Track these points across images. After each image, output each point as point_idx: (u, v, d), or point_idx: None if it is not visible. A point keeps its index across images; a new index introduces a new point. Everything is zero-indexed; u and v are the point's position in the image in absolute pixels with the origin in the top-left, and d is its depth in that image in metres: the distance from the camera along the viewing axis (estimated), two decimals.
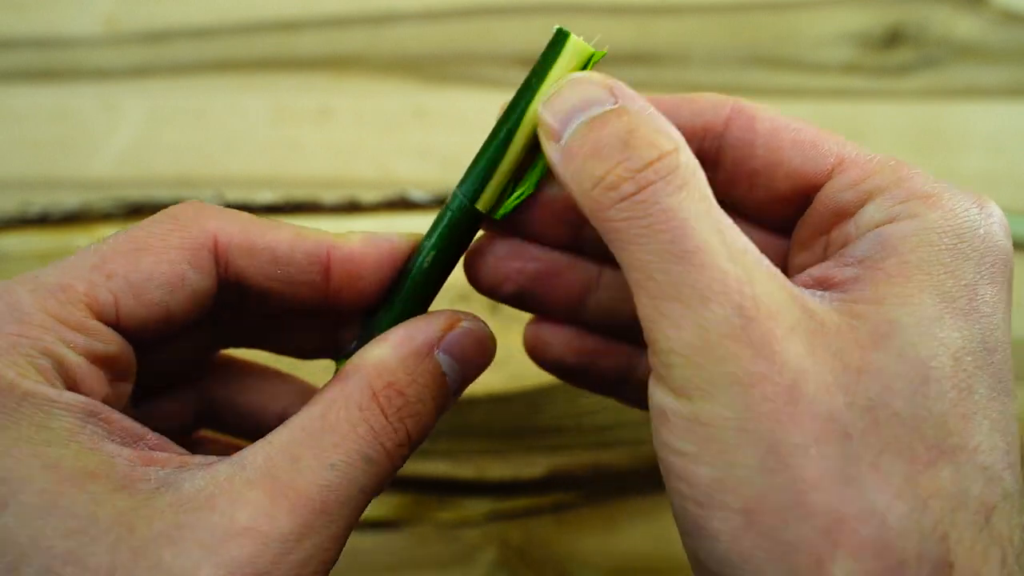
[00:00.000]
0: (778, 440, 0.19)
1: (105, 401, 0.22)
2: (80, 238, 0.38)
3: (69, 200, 0.40)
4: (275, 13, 0.49)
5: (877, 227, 0.22)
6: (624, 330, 0.28)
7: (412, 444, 0.22)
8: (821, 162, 0.24)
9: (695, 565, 0.21)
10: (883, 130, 0.47)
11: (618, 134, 0.21)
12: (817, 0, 0.49)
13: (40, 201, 0.40)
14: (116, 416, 0.21)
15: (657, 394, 0.21)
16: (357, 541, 0.39)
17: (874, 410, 0.19)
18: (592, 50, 0.24)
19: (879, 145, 0.47)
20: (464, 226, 0.25)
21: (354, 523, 0.21)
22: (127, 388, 0.23)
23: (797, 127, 0.24)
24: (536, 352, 0.29)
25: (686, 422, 0.20)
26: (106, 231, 0.38)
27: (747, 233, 0.23)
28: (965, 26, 0.49)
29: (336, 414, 0.21)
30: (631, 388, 0.29)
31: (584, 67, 0.24)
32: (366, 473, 0.21)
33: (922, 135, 0.47)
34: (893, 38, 0.49)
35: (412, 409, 0.22)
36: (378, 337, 0.23)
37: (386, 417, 0.21)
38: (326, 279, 0.24)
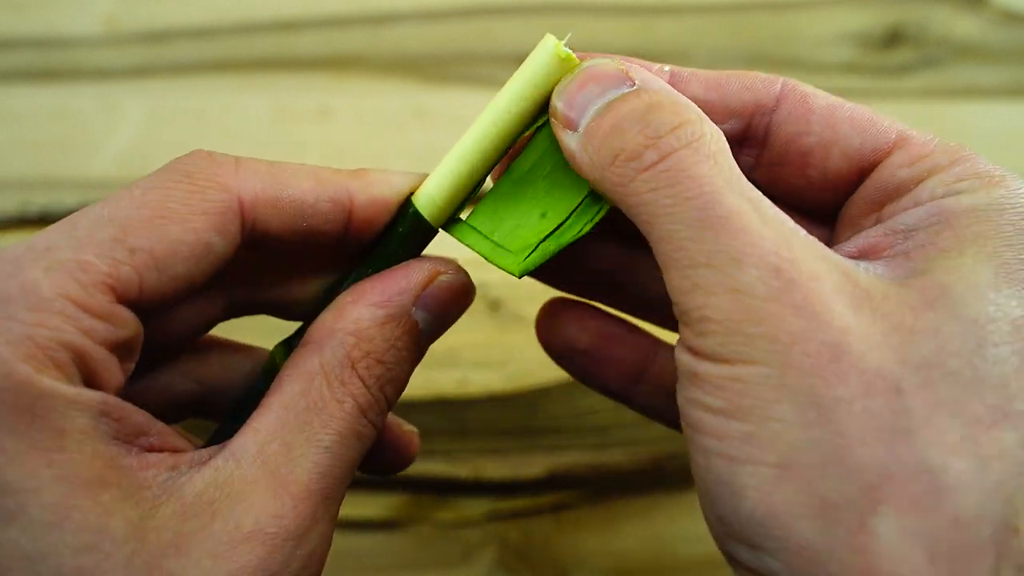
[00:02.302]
0: (820, 395, 0.18)
1: (116, 389, 0.20)
2: None
3: (69, 200, 0.40)
4: (275, 13, 0.49)
5: (934, 200, 0.21)
6: (649, 310, 0.27)
7: (390, 409, 0.22)
8: (881, 139, 0.23)
9: (717, 528, 0.20)
10: None
11: (637, 109, 0.20)
12: (817, 0, 0.49)
13: (40, 201, 0.40)
14: (127, 412, 0.20)
15: (686, 359, 0.19)
16: (357, 541, 0.39)
17: (928, 368, 0.18)
18: (566, 53, 0.22)
19: None
20: (411, 235, 0.23)
21: (342, 498, 0.21)
22: (131, 368, 0.21)
23: (852, 106, 0.23)
24: (548, 334, 0.28)
25: (719, 380, 0.19)
26: None
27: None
28: (965, 26, 0.49)
29: (319, 391, 0.20)
30: (642, 389, 0.28)
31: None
32: (356, 449, 0.20)
33: None
34: (893, 38, 0.49)
35: (391, 375, 0.21)
36: (351, 292, 0.22)
37: (368, 390, 0.21)
38: (347, 224, 0.23)
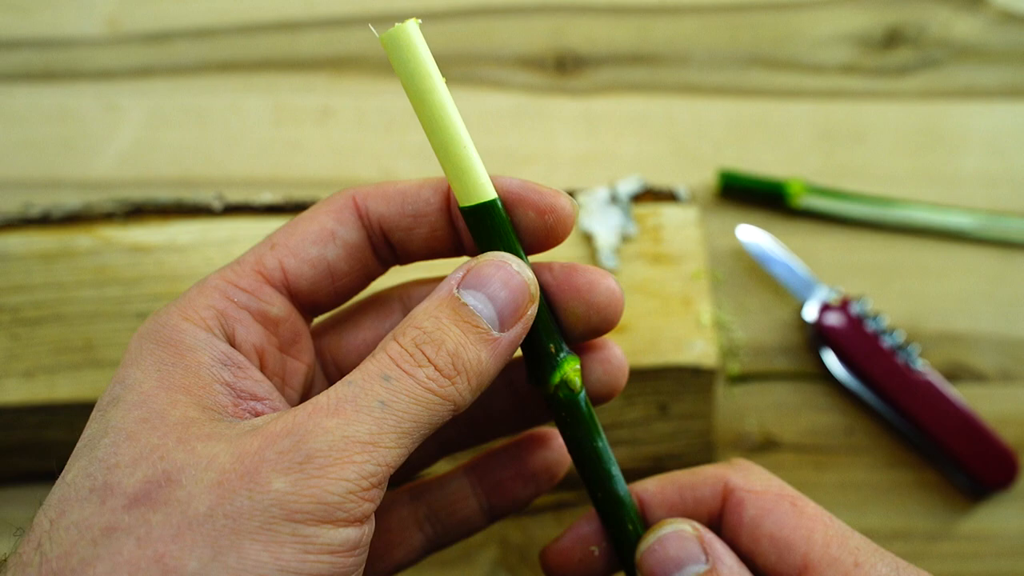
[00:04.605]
0: None
1: (261, 356, 0.26)
2: (81, 238, 0.39)
3: (70, 200, 0.40)
4: (275, 13, 0.49)
5: None
6: None
7: (442, 368, 0.24)
8: (790, 562, 0.26)
9: None
10: (883, 130, 0.48)
11: None
12: (817, 0, 0.49)
13: (41, 201, 0.40)
14: (248, 373, 0.25)
15: None
16: None
17: None
18: (407, 27, 0.25)
19: (879, 145, 0.47)
20: (481, 223, 0.26)
21: (389, 438, 0.23)
22: (299, 367, 0.27)
23: (779, 519, 0.27)
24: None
25: None
26: (107, 231, 0.39)
27: None
28: (964, 27, 0.49)
29: (365, 358, 0.24)
30: None
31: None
32: (384, 388, 0.23)
33: (921, 135, 0.47)
34: (892, 39, 0.49)
35: (428, 337, 0.24)
36: None
37: (401, 345, 0.24)
38: (447, 207, 0.27)
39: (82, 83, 0.47)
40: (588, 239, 0.40)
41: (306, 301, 0.27)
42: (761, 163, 0.46)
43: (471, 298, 0.25)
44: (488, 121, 0.47)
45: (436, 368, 0.24)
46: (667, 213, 0.41)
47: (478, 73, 0.48)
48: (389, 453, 0.23)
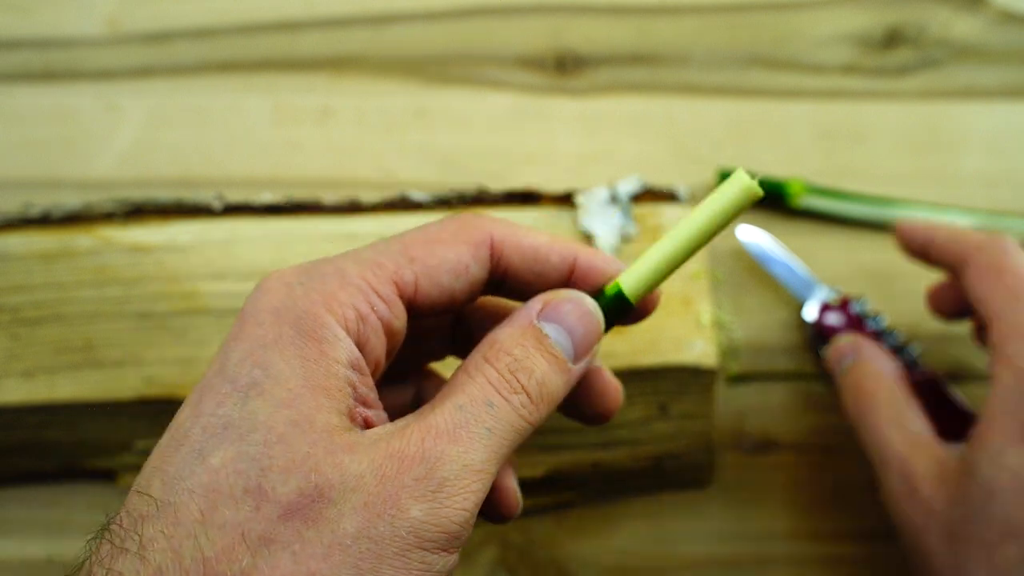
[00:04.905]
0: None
1: (374, 367, 0.26)
2: (81, 238, 0.39)
3: (70, 200, 0.40)
4: (275, 13, 0.49)
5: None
6: None
7: (532, 396, 0.26)
8: (983, 313, 0.35)
9: None
10: (882, 130, 0.48)
11: (850, 386, 0.38)
12: (817, 0, 0.49)
13: (41, 201, 0.40)
14: (367, 381, 0.26)
15: None
16: None
17: (967, 512, 0.32)
18: (758, 189, 0.26)
19: (879, 145, 0.47)
20: (615, 310, 0.28)
21: (492, 463, 0.24)
22: (384, 366, 0.28)
23: (985, 284, 0.35)
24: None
25: None
26: (107, 231, 0.39)
27: None
28: (964, 27, 0.49)
29: (459, 376, 0.26)
30: None
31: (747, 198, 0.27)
32: (490, 415, 0.24)
33: (921, 135, 0.47)
34: (892, 39, 0.49)
35: (520, 364, 0.25)
36: None
37: (497, 371, 0.25)
38: (569, 277, 0.28)
39: (82, 83, 0.47)
40: (588, 239, 0.40)
41: (417, 313, 0.28)
42: (761, 163, 0.46)
43: (550, 329, 0.26)
44: (488, 121, 0.47)
45: (528, 395, 0.25)
46: (667, 213, 0.41)
47: (478, 73, 0.48)
48: (491, 478, 0.24)
